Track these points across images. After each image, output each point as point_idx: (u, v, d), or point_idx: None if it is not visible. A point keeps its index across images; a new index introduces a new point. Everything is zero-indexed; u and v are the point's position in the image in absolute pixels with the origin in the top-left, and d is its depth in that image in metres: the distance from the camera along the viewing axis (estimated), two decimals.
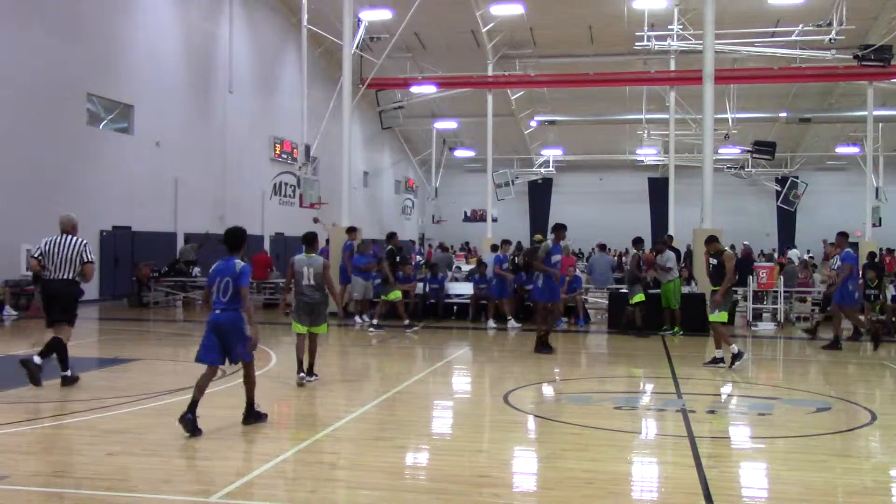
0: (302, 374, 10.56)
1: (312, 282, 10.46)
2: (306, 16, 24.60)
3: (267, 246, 31.39)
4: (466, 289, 19.56)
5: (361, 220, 26.64)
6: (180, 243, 27.07)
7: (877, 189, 32.50)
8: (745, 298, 18.35)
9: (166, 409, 9.02)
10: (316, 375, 10.79)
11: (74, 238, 10.61)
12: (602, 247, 22.28)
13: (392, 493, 6.19)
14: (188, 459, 7.00)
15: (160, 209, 26.30)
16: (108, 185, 23.81)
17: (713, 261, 12.77)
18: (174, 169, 26.73)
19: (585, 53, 35.05)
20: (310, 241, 10.82)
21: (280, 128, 33.66)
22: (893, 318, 16.84)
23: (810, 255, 36.66)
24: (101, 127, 24.45)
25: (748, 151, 37.55)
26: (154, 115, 25.90)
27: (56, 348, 10.23)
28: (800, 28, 25.98)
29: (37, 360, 10.02)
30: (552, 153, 46.33)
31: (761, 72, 31.36)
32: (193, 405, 7.70)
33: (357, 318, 18.07)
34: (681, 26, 26.54)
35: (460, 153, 47.79)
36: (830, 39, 24.95)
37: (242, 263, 8.19)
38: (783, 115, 37.39)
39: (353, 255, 18.04)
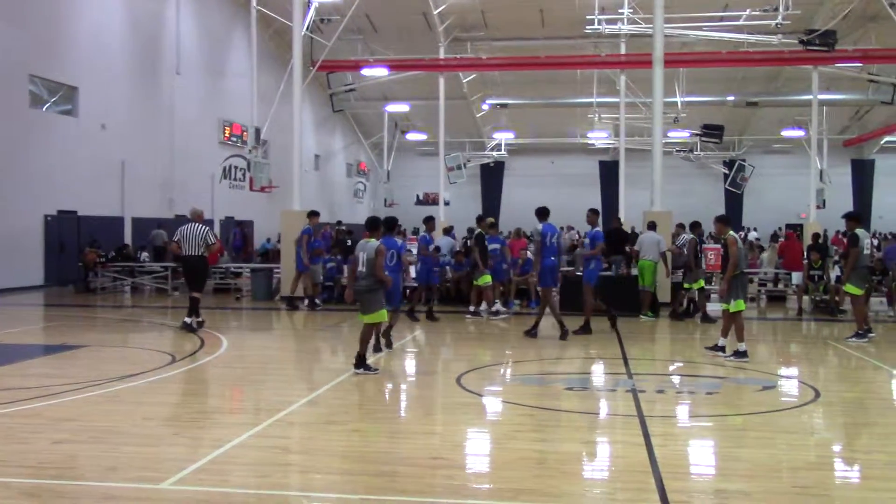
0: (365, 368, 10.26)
1: (363, 268, 10.16)
2: None
3: (217, 230, 30.99)
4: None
5: (313, 204, 26.52)
6: (128, 228, 26.65)
7: (821, 172, 33.11)
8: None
9: (114, 397, 8.90)
10: (374, 370, 10.28)
11: (200, 225, 14.29)
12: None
13: (345, 477, 6.19)
14: (137, 447, 6.90)
15: (106, 193, 25.81)
16: (53, 168, 23.27)
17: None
18: (121, 152, 26.20)
19: (537, 36, 35.05)
20: (370, 226, 10.61)
21: (229, 110, 33.15)
22: (836, 298, 17.23)
23: (757, 238, 37.36)
24: (44, 109, 23.85)
25: (697, 134, 38.12)
26: (99, 96, 25.34)
27: (194, 304, 14.16)
28: (747, 13, 26.28)
29: (188, 320, 14.05)
30: (504, 136, 46.42)
31: (710, 56, 31.68)
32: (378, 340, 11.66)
33: (305, 302, 18.02)
34: (631, 10, 26.68)
35: (412, 136, 47.63)
36: (777, 24, 25.26)
37: (402, 241, 11.64)
38: (731, 98, 37.86)
39: (311, 240, 17.84)
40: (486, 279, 16.37)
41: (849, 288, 13.33)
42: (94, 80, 25.15)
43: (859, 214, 14.71)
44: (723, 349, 11.77)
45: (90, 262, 22.27)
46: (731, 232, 11.92)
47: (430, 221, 17.05)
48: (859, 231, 13.28)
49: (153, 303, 20.30)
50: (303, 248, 17.55)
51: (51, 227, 23.47)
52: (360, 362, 10.22)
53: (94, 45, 25.24)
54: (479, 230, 16.86)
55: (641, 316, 16.51)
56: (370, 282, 10.17)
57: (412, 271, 16.80)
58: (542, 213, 13.84)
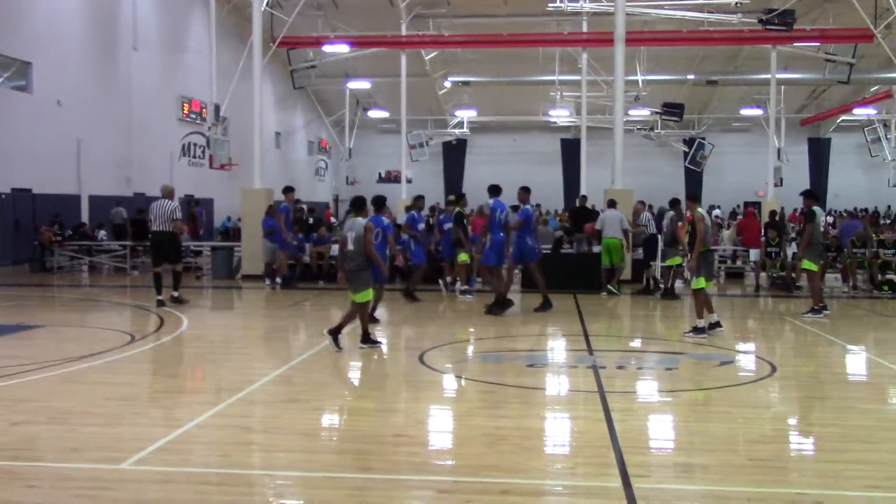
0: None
1: (352, 247, 10.17)
2: None
3: None
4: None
5: (274, 182, 26.24)
6: (85, 206, 26.22)
7: (779, 150, 33.52)
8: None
9: (73, 377, 8.79)
10: (338, 347, 10.20)
11: (169, 201, 14.60)
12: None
13: (307, 455, 6.19)
14: (97, 427, 6.82)
15: (62, 171, 25.35)
16: (7, 145, 22.77)
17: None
18: (77, 129, 25.72)
19: (499, 14, 34.98)
20: (357, 205, 10.75)
21: (188, 87, 32.69)
22: (793, 275, 17.51)
23: (717, 215, 37.79)
24: None
25: (657, 113, 38.31)
26: (54, 72, 24.80)
27: (161, 279, 14.64)
28: None
29: (175, 293, 14.61)
30: (466, 114, 46.32)
31: (670, 34, 31.86)
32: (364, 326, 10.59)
33: (266, 281, 17.93)
34: None
35: (374, 114, 47.32)
36: (736, 3, 25.48)
37: (388, 220, 12.29)
38: (691, 77, 38.18)
39: (287, 217, 17.73)
40: (464, 257, 16.51)
41: (805, 264, 13.55)
42: (49, 55, 24.59)
43: (816, 192, 14.94)
44: (717, 324, 11.79)
45: (47, 241, 21.89)
46: (700, 209, 12.01)
47: (419, 200, 17.05)
48: (815, 208, 13.50)
49: (111, 282, 20.04)
50: (282, 225, 17.46)
51: (5, 205, 23.02)
52: (336, 333, 10.21)
53: (48, 19, 24.67)
54: (458, 209, 16.98)
55: (603, 292, 16.67)
56: (360, 261, 10.21)
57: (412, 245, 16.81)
58: (494, 190, 14.21)
